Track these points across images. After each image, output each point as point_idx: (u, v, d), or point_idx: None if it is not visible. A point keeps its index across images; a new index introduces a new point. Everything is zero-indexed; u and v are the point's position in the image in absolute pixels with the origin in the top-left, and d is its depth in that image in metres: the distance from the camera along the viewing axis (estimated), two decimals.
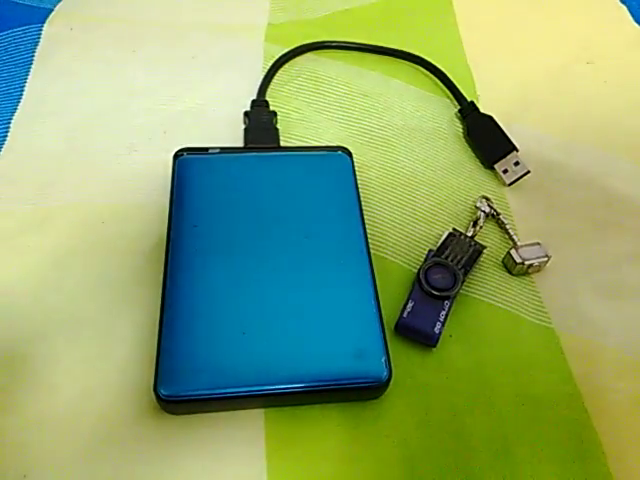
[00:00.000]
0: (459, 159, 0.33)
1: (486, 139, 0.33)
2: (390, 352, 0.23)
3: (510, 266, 0.28)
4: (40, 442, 0.22)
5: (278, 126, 0.33)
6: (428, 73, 0.38)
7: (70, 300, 0.26)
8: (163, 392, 0.22)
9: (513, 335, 0.27)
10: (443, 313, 0.26)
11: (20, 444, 0.22)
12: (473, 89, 0.37)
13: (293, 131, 0.33)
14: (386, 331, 0.24)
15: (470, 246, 0.28)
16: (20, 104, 0.34)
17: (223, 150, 0.29)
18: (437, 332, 0.25)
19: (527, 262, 0.28)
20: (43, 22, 0.38)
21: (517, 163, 0.32)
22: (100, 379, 0.24)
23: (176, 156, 0.29)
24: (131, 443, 0.22)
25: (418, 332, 0.25)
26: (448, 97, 0.37)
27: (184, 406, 0.22)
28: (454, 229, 0.29)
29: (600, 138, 0.35)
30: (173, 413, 0.23)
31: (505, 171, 0.32)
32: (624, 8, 0.44)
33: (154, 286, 0.26)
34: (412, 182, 0.32)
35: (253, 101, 0.34)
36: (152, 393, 0.22)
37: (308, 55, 0.38)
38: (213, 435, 0.23)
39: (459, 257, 0.27)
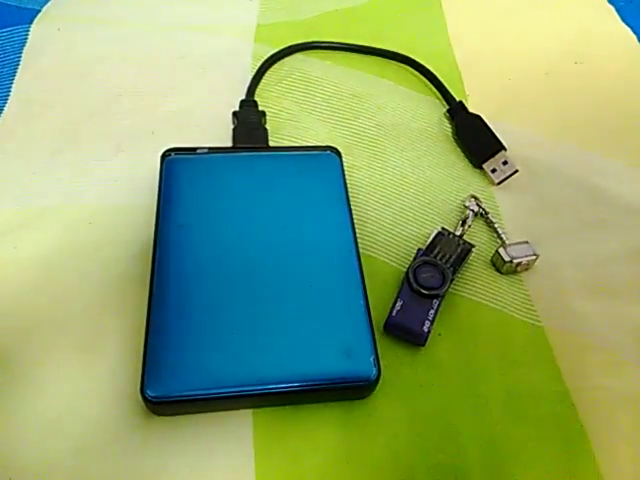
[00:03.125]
0: (448, 159, 0.34)
1: (475, 139, 0.33)
2: (379, 351, 0.23)
3: (499, 265, 0.29)
4: (26, 444, 0.22)
5: (267, 126, 0.33)
6: (417, 73, 0.38)
7: (57, 301, 0.26)
8: (150, 393, 0.21)
9: (502, 333, 0.27)
10: (432, 312, 0.26)
11: (6, 447, 0.22)
12: (462, 89, 0.37)
13: (282, 131, 0.33)
14: (375, 330, 0.24)
15: (459, 245, 0.28)
16: (7, 104, 0.34)
17: (211, 150, 0.29)
18: (426, 331, 0.25)
19: (515, 260, 0.28)
20: (30, 23, 0.38)
21: (505, 162, 0.32)
22: (87, 381, 0.24)
23: (164, 156, 0.29)
24: (118, 445, 0.22)
25: (407, 331, 0.25)
26: (437, 97, 0.37)
27: (171, 407, 0.22)
28: (443, 228, 0.29)
29: (588, 137, 0.35)
30: (160, 414, 0.23)
31: (494, 170, 0.32)
32: (611, 8, 0.44)
33: (141, 287, 0.25)
34: (401, 182, 0.32)
35: (242, 101, 0.34)
36: (139, 395, 0.22)
37: (297, 55, 0.38)
38: (201, 436, 0.23)
39: (448, 256, 0.28)
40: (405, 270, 0.28)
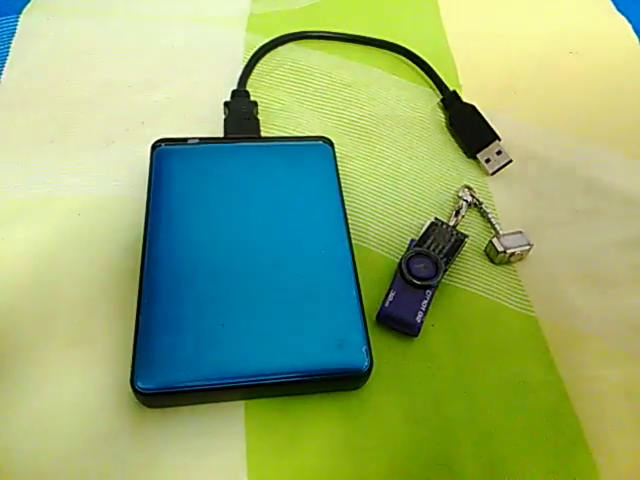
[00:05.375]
0: (441, 149, 0.33)
1: (468, 128, 0.33)
2: (372, 342, 0.23)
3: (492, 255, 0.28)
4: (17, 439, 0.22)
5: (259, 116, 0.32)
6: (410, 63, 0.37)
7: (45, 294, 0.25)
8: (140, 385, 0.21)
9: (495, 324, 0.27)
10: (425, 302, 0.25)
11: None
12: (456, 78, 0.37)
13: (274, 122, 0.33)
14: (368, 321, 0.24)
15: (452, 235, 0.28)
16: None
17: (202, 140, 0.29)
18: (419, 321, 0.25)
19: (509, 251, 0.28)
20: (20, 13, 0.38)
21: (499, 152, 0.32)
22: (77, 374, 0.23)
23: (154, 147, 0.28)
24: (109, 437, 0.22)
25: (400, 321, 0.25)
26: (430, 87, 0.36)
27: (161, 399, 0.22)
28: (436, 218, 0.28)
29: (582, 127, 0.35)
30: (151, 406, 0.23)
31: (487, 160, 0.32)
32: None
33: (131, 279, 0.25)
34: (394, 172, 0.32)
35: (233, 91, 0.33)
36: (129, 387, 0.21)
37: (289, 45, 0.38)
38: (192, 428, 0.22)
39: (441, 246, 0.27)
40: (398, 261, 0.27)
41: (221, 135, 0.31)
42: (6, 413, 0.22)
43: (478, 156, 0.32)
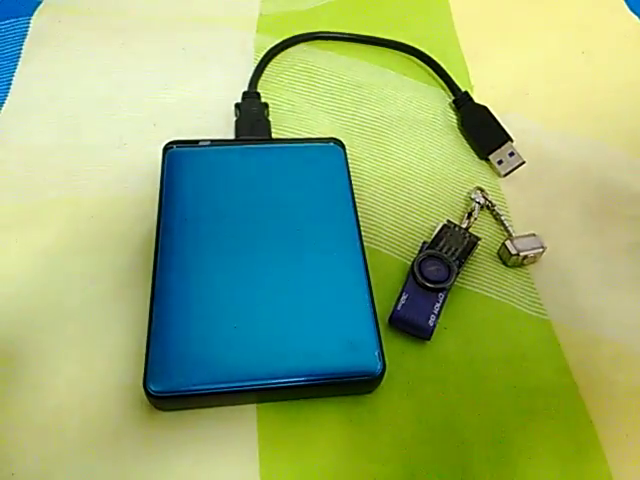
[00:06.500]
0: (453, 150, 0.33)
1: (481, 130, 0.33)
2: (384, 345, 0.23)
3: (505, 257, 0.28)
4: (29, 440, 0.22)
5: (270, 118, 0.32)
6: (422, 63, 0.37)
7: (58, 296, 0.25)
8: (153, 388, 0.21)
9: (508, 327, 0.26)
10: (437, 305, 0.25)
11: (8, 442, 0.22)
12: (467, 79, 0.37)
13: (285, 123, 0.33)
14: (380, 324, 0.24)
15: (464, 238, 0.28)
16: (7, 98, 0.33)
17: (213, 142, 0.29)
18: (431, 325, 0.25)
19: (522, 253, 0.28)
20: (31, 15, 0.38)
21: (512, 154, 0.32)
22: (89, 376, 0.23)
23: (166, 149, 0.28)
24: (121, 440, 0.22)
25: (412, 325, 0.25)
26: (442, 87, 0.36)
27: (174, 402, 0.22)
28: (448, 221, 0.28)
29: (595, 128, 0.35)
30: (163, 409, 0.23)
31: (500, 162, 0.32)
32: None
33: (144, 281, 0.25)
34: (406, 174, 0.32)
35: (244, 93, 0.33)
36: (142, 389, 0.21)
37: (300, 46, 0.38)
38: (204, 431, 0.22)
39: (453, 249, 0.27)
40: (410, 263, 0.27)
41: (232, 137, 0.31)
42: (18, 413, 0.22)
43: (490, 157, 0.32)
